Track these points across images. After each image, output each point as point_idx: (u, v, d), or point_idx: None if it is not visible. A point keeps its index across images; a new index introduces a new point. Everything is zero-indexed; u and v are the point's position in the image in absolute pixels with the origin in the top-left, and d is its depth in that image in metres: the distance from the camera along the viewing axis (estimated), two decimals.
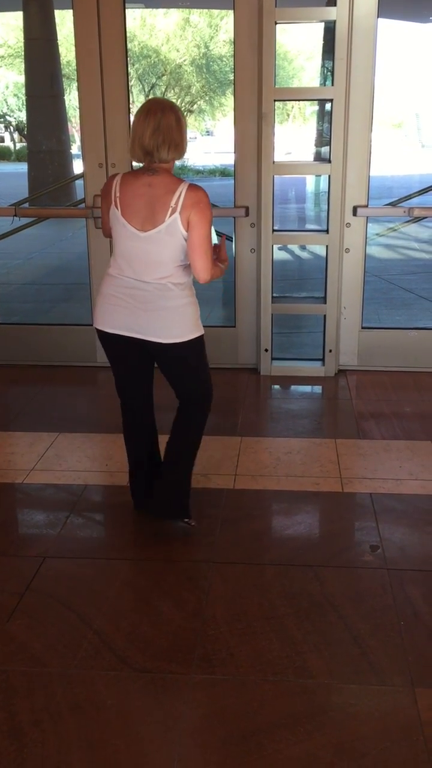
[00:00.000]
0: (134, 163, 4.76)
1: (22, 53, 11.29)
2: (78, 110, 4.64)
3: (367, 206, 4.63)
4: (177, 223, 2.63)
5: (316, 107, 6.82)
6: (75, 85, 4.78)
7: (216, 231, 2.74)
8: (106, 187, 2.78)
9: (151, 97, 3.14)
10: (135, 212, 2.67)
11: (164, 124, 2.61)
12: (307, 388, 4.76)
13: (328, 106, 4.61)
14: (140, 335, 2.76)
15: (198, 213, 2.63)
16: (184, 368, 2.87)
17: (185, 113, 2.78)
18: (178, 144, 2.65)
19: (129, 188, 2.69)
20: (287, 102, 8.63)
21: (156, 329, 2.74)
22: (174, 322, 2.75)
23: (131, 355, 2.87)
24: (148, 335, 2.75)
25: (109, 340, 2.84)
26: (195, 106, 14.73)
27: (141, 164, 2.74)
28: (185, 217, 2.62)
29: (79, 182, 4.89)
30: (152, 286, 2.72)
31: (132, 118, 4.82)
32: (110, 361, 2.94)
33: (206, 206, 2.66)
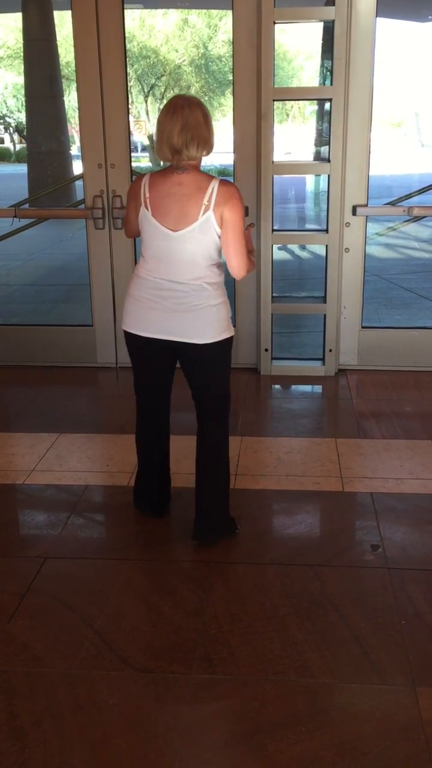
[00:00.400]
0: (134, 164, 4.78)
1: (22, 54, 11.30)
2: (77, 111, 4.64)
3: (366, 206, 4.63)
4: (210, 221, 2.58)
5: (315, 107, 6.83)
6: (74, 85, 4.79)
7: None
8: (133, 189, 2.73)
9: (178, 93, 3.02)
10: (166, 212, 2.62)
11: (192, 120, 2.55)
12: (308, 388, 4.76)
13: (327, 105, 4.62)
14: (174, 337, 2.71)
15: (231, 209, 2.59)
16: (213, 369, 2.81)
17: None
18: (206, 140, 2.60)
19: (159, 188, 2.64)
20: (286, 102, 8.63)
21: (191, 330, 2.70)
22: (210, 322, 2.70)
23: (159, 358, 2.82)
24: (182, 337, 2.71)
25: (139, 343, 2.79)
26: None
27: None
28: (218, 214, 2.58)
29: (79, 183, 4.90)
30: (187, 286, 2.67)
31: (131, 119, 4.83)
32: (135, 362, 2.89)
33: (239, 202, 2.62)
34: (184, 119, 2.55)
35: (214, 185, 2.60)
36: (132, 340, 2.81)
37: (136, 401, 3.00)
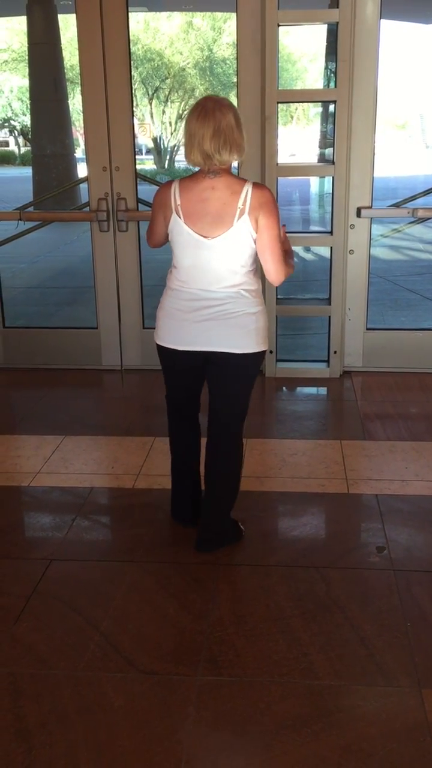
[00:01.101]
0: (138, 167, 4.79)
1: (26, 57, 11.36)
2: (82, 114, 4.65)
3: (371, 207, 4.63)
4: (246, 226, 2.50)
5: (319, 109, 6.84)
6: (79, 89, 4.80)
7: None
8: (160, 196, 2.62)
9: (208, 95, 2.83)
10: (199, 218, 2.52)
11: (224, 124, 2.45)
12: (312, 390, 4.76)
13: (331, 107, 4.62)
14: (210, 348, 2.63)
15: (267, 213, 2.50)
16: (239, 382, 2.71)
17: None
18: (239, 144, 2.49)
19: (190, 194, 2.54)
20: (291, 104, 8.63)
21: (227, 339, 2.60)
22: (249, 331, 2.61)
23: (193, 369, 2.75)
24: (218, 347, 2.61)
25: (173, 356, 2.72)
26: None
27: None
28: (254, 218, 2.49)
29: (83, 186, 4.91)
30: (224, 294, 2.58)
31: (136, 122, 4.84)
32: (167, 374, 2.83)
33: (274, 205, 2.53)
34: (216, 123, 2.45)
35: (248, 188, 2.50)
36: (165, 353, 2.74)
37: (168, 410, 2.94)
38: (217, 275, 2.58)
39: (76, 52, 4.60)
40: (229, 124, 2.46)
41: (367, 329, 4.88)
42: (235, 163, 2.66)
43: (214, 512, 2.86)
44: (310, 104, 8.76)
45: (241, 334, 2.62)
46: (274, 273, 2.59)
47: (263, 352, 2.71)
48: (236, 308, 2.60)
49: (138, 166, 4.78)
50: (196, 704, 2.12)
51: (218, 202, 2.52)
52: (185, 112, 2.71)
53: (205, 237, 2.54)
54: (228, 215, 2.51)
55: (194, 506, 3.00)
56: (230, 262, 2.56)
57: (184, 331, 2.66)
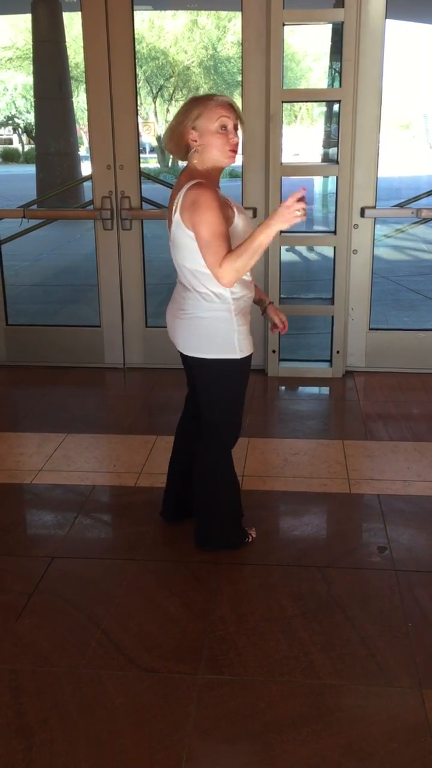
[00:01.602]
0: (142, 165, 4.80)
1: (31, 55, 11.34)
2: (86, 112, 4.66)
3: (374, 207, 4.63)
4: (180, 225, 2.44)
5: (323, 108, 6.83)
6: (83, 87, 4.80)
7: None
8: None
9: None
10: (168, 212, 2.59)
11: (173, 121, 2.47)
12: (315, 390, 4.76)
13: (335, 107, 4.62)
14: (174, 342, 2.65)
15: (196, 214, 2.36)
16: (203, 388, 2.66)
17: None
18: (169, 138, 2.48)
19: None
20: (295, 103, 8.62)
21: (178, 338, 2.61)
22: (196, 335, 2.55)
23: (185, 363, 2.77)
24: (176, 342, 2.64)
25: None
26: None
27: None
28: (187, 218, 2.41)
29: (88, 184, 4.91)
30: (184, 293, 2.57)
31: (140, 120, 4.84)
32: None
33: (203, 206, 2.35)
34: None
35: (185, 188, 2.41)
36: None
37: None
38: (179, 270, 2.58)
39: (81, 50, 4.60)
40: (174, 118, 2.48)
41: (370, 329, 4.88)
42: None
43: (203, 513, 2.85)
44: (314, 104, 8.76)
45: (186, 335, 2.58)
46: (217, 276, 2.39)
47: (222, 360, 2.54)
48: (189, 309, 2.56)
49: (142, 165, 4.78)
50: (197, 703, 2.12)
51: (172, 197, 2.54)
52: None
53: (168, 230, 2.58)
54: (170, 212, 2.52)
55: (179, 505, 3.01)
56: (181, 258, 2.52)
57: (168, 320, 2.71)
